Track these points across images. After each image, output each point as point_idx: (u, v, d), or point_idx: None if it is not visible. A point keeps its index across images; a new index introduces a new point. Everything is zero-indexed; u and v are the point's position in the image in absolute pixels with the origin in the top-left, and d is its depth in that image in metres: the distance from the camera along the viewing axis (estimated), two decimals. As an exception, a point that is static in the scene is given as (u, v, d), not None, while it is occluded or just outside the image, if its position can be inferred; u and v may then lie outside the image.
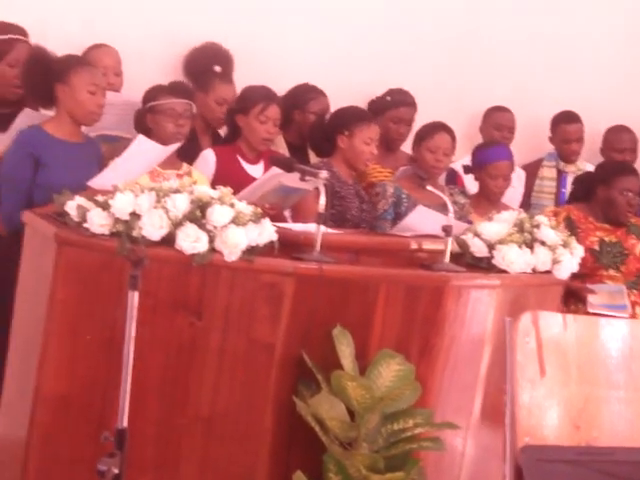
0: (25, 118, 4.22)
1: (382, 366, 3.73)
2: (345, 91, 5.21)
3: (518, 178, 5.63)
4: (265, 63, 5.18)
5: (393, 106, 5.38)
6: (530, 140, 5.94)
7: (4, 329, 3.84)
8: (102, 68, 4.64)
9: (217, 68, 4.96)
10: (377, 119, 5.22)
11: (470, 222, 4.60)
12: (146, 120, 4.39)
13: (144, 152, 3.99)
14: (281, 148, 5.02)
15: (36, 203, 3.98)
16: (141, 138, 4.05)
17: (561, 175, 5.90)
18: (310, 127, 4.95)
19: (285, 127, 4.87)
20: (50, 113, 4.21)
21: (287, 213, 4.51)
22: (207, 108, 4.91)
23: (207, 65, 4.98)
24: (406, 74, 5.60)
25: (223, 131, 4.98)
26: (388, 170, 5.17)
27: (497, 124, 5.78)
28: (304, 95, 5.21)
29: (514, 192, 5.50)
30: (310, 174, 3.95)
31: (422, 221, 4.24)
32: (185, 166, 4.42)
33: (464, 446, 3.99)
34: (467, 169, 5.23)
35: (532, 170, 5.88)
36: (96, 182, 3.85)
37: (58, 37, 4.53)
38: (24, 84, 4.25)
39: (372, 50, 5.66)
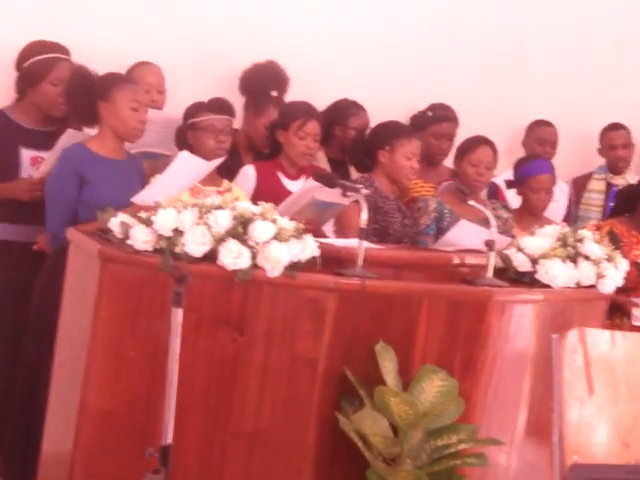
0: (69, 138, 4.25)
1: (425, 382, 3.71)
2: (386, 106, 5.21)
3: (561, 192, 5.61)
4: (306, 78, 5.18)
5: (435, 121, 5.38)
6: (579, 154, 5.92)
7: (49, 345, 3.87)
8: (145, 85, 4.68)
9: (274, 93, 4.96)
10: (419, 134, 5.22)
11: (513, 237, 4.58)
12: (187, 137, 4.42)
13: (188, 167, 4.01)
14: (322, 163, 5.02)
15: (81, 220, 4.01)
16: (185, 154, 4.08)
17: (610, 188, 5.86)
18: (350, 142, 4.95)
19: (326, 142, 4.88)
20: (93, 132, 4.24)
21: (329, 228, 4.51)
22: (255, 129, 4.92)
23: (264, 86, 4.97)
24: (448, 88, 5.60)
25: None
26: (430, 185, 5.16)
27: (540, 138, 5.76)
28: (344, 111, 5.22)
29: (557, 206, 5.47)
30: (351, 189, 3.95)
31: (465, 235, 4.22)
32: (225, 183, 4.44)
33: (508, 462, 3.96)
34: (509, 184, 5.22)
35: (581, 183, 5.86)
36: (140, 198, 3.87)
37: (102, 55, 4.56)
38: (67, 102, 4.29)
39: (414, 65, 5.67)
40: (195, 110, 4.44)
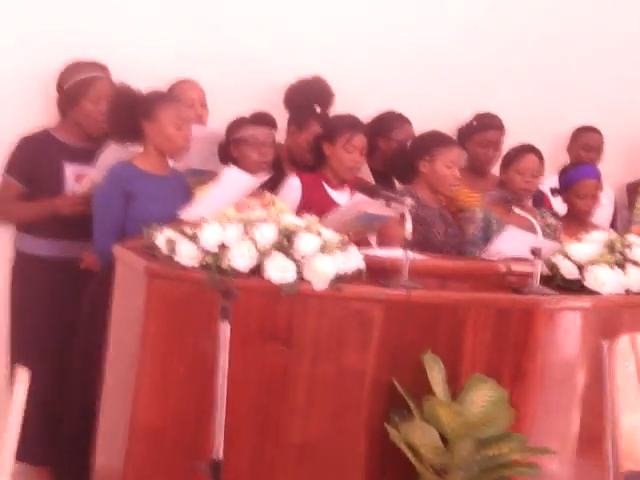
0: (111, 152, 4.29)
1: (474, 391, 3.69)
2: (431, 118, 5.20)
3: (607, 198, 5.56)
4: (350, 90, 5.18)
5: (480, 130, 5.36)
6: (625, 160, 5.88)
7: (98, 362, 3.90)
8: (189, 100, 4.71)
9: (318, 109, 4.97)
10: (465, 144, 5.22)
11: (560, 243, 4.54)
12: (230, 151, 4.45)
13: (235, 183, 4.04)
14: (366, 175, 5.02)
15: (128, 236, 4.04)
16: (232, 170, 4.10)
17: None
18: (392, 154, 4.94)
19: (369, 154, 4.87)
20: (135, 147, 4.28)
21: (372, 239, 4.50)
22: (296, 143, 4.92)
23: (308, 101, 4.97)
24: (493, 98, 5.57)
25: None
26: (477, 194, 5.14)
27: (585, 144, 5.72)
28: (389, 123, 5.21)
29: (603, 212, 5.43)
30: (395, 200, 3.95)
31: (513, 243, 4.20)
32: (268, 195, 4.46)
33: (561, 472, 3.93)
34: (555, 192, 5.18)
35: (634, 188, 5.80)
36: (188, 214, 3.90)
37: (144, 73, 4.59)
38: (110, 121, 4.33)
39: (458, 75, 5.64)
40: (237, 124, 4.48)
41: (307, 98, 4.99)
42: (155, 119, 4.17)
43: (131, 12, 4.90)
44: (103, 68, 4.60)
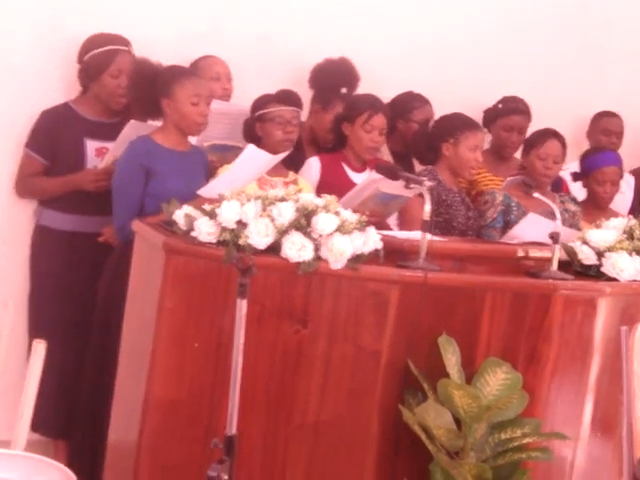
0: (132, 129, 4.29)
1: (489, 374, 3.70)
2: (454, 100, 5.19)
3: (627, 184, 5.53)
4: (373, 71, 5.17)
5: (505, 113, 5.32)
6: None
7: (116, 336, 3.92)
8: (215, 73, 4.72)
9: (344, 90, 4.96)
10: (490, 127, 5.20)
11: (580, 230, 4.53)
12: (255, 129, 4.45)
13: (253, 161, 4.03)
14: (385, 156, 5.01)
15: (147, 212, 4.05)
16: (251, 147, 4.10)
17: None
18: (413, 135, 4.93)
19: (389, 136, 4.86)
20: (156, 123, 4.28)
21: (393, 221, 4.50)
22: (320, 124, 4.91)
23: (334, 82, 4.95)
24: (514, 81, 5.55)
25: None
26: (500, 178, 5.12)
27: (605, 129, 5.69)
28: (408, 104, 5.19)
29: (623, 198, 5.41)
30: (415, 182, 3.95)
31: (533, 229, 4.20)
32: (291, 174, 4.46)
33: (573, 457, 3.93)
34: (575, 176, 5.16)
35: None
36: (206, 191, 3.91)
37: (166, 50, 4.59)
38: (131, 97, 4.34)
39: (481, 58, 5.62)
40: (263, 102, 4.47)
41: (333, 79, 4.98)
42: (172, 96, 4.16)
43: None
44: (126, 42, 4.59)
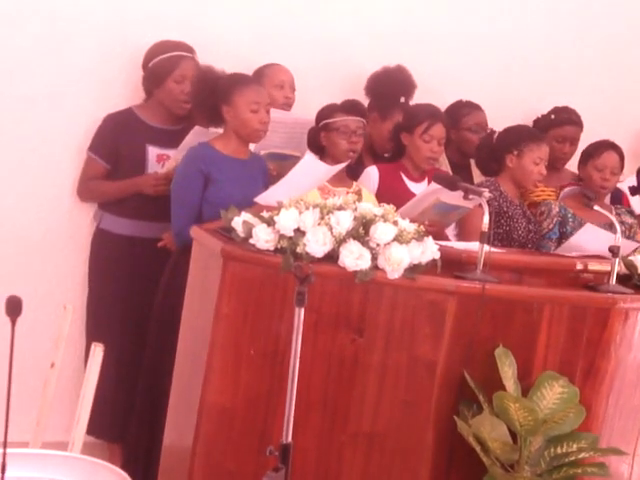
0: (196, 136, 4.32)
1: (545, 388, 3.67)
2: (510, 109, 5.16)
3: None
4: (431, 81, 5.16)
5: (557, 124, 5.30)
6: None
7: (172, 341, 3.94)
8: (279, 81, 4.73)
9: (403, 99, 4.95)
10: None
11: (638, 242, 4.49)
12: (320, 138, 4.44)
13: (311, 170, 4.04)
14: (444, 166, 4.99)
15: (205, 218, 4.06)
16: (308, 157, 4.10)
17: None
18: (477, 146, 4.90)
19: (445, 146, 4.84)
20: (219, 130, 4.30)
21: (451, 231, 4.49)
22: (379, 133, 4.92)
23: (394, 91, 4.96)
24: (571, 91, 5.51)
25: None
26: (551, 189, 5.09)
27: (666, 143, 5.64)
28: (457, 112, 5.18)
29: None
30: (474, 192, 3.93)
31: (590, 240, 4.16)
32: (355, 184, 4.45)
33: (630, 473, 3.89)
34: (633, 190, 5.11)
35: None
36: (263, 199, 3.91)
37: (229, 58, 4.62)
38: (193, 105, 4.37)
39: (537, 67, 5.60)
40: (329, 111, 4.46)
41: (390, 87, 4.97)
42: (232, 103, 4.17)
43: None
44: (190, 49, 4.62)
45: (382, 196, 4.34)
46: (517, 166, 4.62)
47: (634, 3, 5.80)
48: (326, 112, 4.47)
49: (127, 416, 4.38)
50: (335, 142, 4.40)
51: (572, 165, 5.21)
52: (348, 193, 4.29)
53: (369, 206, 3.66)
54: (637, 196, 5.15)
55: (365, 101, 4.99)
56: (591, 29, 5.73)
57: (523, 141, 4.61)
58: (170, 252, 4.32)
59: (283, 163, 4.47)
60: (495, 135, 4.75)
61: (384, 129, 4.87)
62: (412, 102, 4.99)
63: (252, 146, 4.39)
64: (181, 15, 4.79)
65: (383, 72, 5.01)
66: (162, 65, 4.56)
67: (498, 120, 4.97)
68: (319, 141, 4.44)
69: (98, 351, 3.15)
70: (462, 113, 5.17)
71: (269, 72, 4.72)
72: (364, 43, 5.19)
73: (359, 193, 4.36)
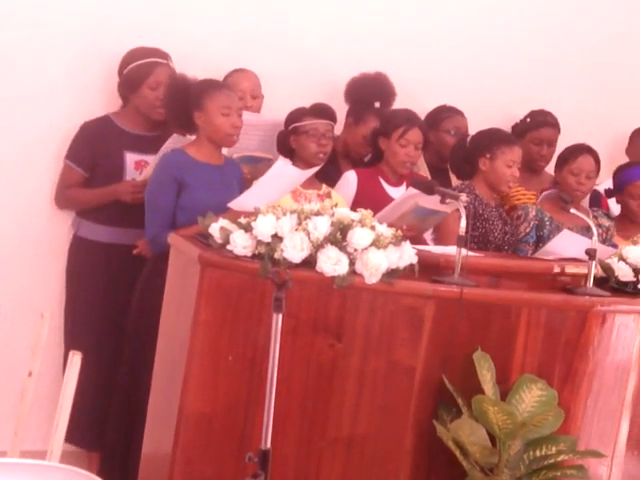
0: (173, 143, 4.32)
1: (524, 391, 3.68)
2: (487, 114, 5.17)
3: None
4: (407, 87, 5.16)
5: (534, 127, 5.31)
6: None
7: (149, 348, 3.92)
8: (239, 92, 4.70)
9: (377, 104, 4.96)
10: (520, 141, 5.18)
11: (615, 246, 4.51)
12: (289, 141, 4.46)
13: (283, 176, 4.04)
14: (422, 170, 5.00)
15: (179, 225, 4.06)
16: (280, 162, 4.11)
17: None
18: (451, 149, 4.92)
19: (424, 149, 4.86)
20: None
21: (428, 236, 4.49)
22: (353, 138, 4.92)
23: (369, 97, 4.95)
24: (549, 96, 5.52)
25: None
26: (532, 192, 5.10)
27: (644, 146, 5.65)
28: (437, 115, 5.19)
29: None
30: (450, 196, 3.94)
31: (566, 245, 4.18)
32: (324, 187, 4.47)
33: (609, 475, 3.90)
34: (609, 192, 5.13)
35: None
36: (236, 204, 3.91)
37: (202, 63, 4.62)
38: (166, 112, 4.36)
39: (515, 71, 5.61)
40: (298, 115, 4.48)
41: (367, 93, 4.97)
42: (203, 108, 4.17)
43: (193, 2, 4.91)
44: (165, 55, 4.62)
45: (361, 200, 4.35)
46: (490, 169, 4.63)
47: (610, 7, 5.82)
48: (295, 115, 4.48)
49: (106, 424, 4.37)
50: (304, 145, 4.42)
51: (552, 168, 5.22)
52: (319, 195, 4.31)
53: (346, 211, 3.66)
54: (613, 198, 5.17)
55: (344, 107, 4.99)
56: (568, 33, 5.74)
57: (495, 144, 4.62)
58: (146, 259, 4.31)
59: (257, 166, 4.47)
60: (468, 139, 4.77)
61: (358, 134, 4.89)
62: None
63: (225, 150, 4.38)
64: (158, 22, 4.78)
65: (360, 77, 5.02)
66: (136, 72, 4.55)
67: (478, 125, 4.97)
68: (288, 144, 4.45)
69: (76, 359, 3.13)
70: (442, 116, 5.18)
71: (230, 82, 4.70)
72: (341, 49, 5.18)
73: (328, 195, 4.38)
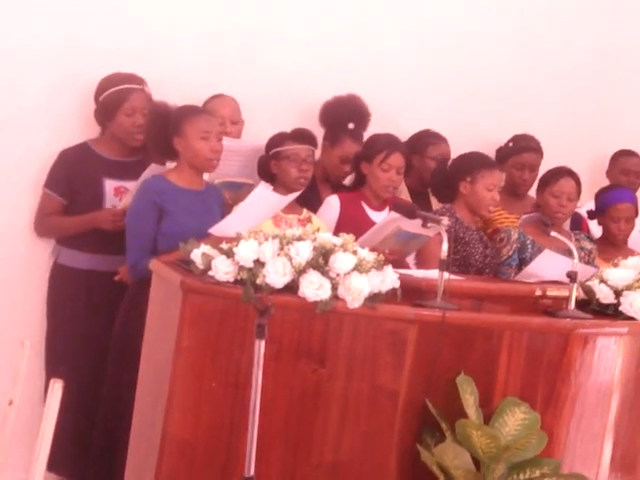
0: (152, 172, 4.31)
1: (507, 414, 3.68)
2: (469, 138, 5.19)
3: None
4: (389, 110, 5.18)
5: (516, 152, 5.34)
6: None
7: (131, 375, 3.90)
8: (219, 118, 4.70)
9: (351, 125, 4.97)
10: (502, 166, 5.20)
11: (597, 268, 4.52)
12: (270, 166, 4.47)
13: (263, 201, 4.04)
14: (403, 194, 5.01)
15: (160, 251, 4.05)
16: (261, 188, 4.11)
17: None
18: (432, 173, 4.94)
19: (405, 173, 4.87)
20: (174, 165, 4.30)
21: (411, 260, 4.50)
22: (330, 161, 4.94)
23: (343, 118, 4.97)
24: (530, 120, 5.55)
25: (347, 180, 4.99)
26: (515, 216, 5.11)
27: (624, 169, 5.67)
28: (423, 140, 5.20)
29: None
30: (432, 220, 3.95)
31: (548, 267, 4.19)
32: (305, 211, 4.47)
33: (592, 497, 3.90)
34: (591, 214, 5.16)
35: None
36: (217, 229, 3.91)
37: (182, 88, 4.61)
38: (147, 140, 4.36)
39: (496, 96, 5.63)
40: (279, 140, 4.49)
41: (341, 115, 4.99)
42: (183, 134, 4.17)
43: (171, 28, 4.91)
44: (140, 81, 4.61)
45: (343, 225, 4.36)
46: (470, 193, 4.65)
47: (589, 31, 5.86)
48: (276, 140, 4.49)
49: (87, 452, 4.34)
50: (285, 170, 4.43)
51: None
52: (299, 220, 4.32)
53: (328, 236, 3.66)
54: (595, 220, 5.19)
55: (321, 131, 5.00)
56: (549, 57, 5.77)
57: (475, 168, 4.64)
58: (126, 286, 4.30)
59: (238, 192, 4.47)
60: (449, 162, 4.79)
61: (334, 156, 4.90)
62: (368, 131, 5.00)
63: (206, 176, 4.38)
64: (135, 48, 4.77)
65: (334, 100, 5.03)
66: (112, 98, 4.54)
67: (459, 149, 4.99)
68: (269, 169, 4.46)
69: (57, 387, 3.11)
70: (429, 142, 5.19)
71: (209, 108, 4.70)
72: (321, 73, 5.20)
73: (309, 220, 4.39)
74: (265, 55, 5.13)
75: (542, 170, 5.21)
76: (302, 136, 4.50)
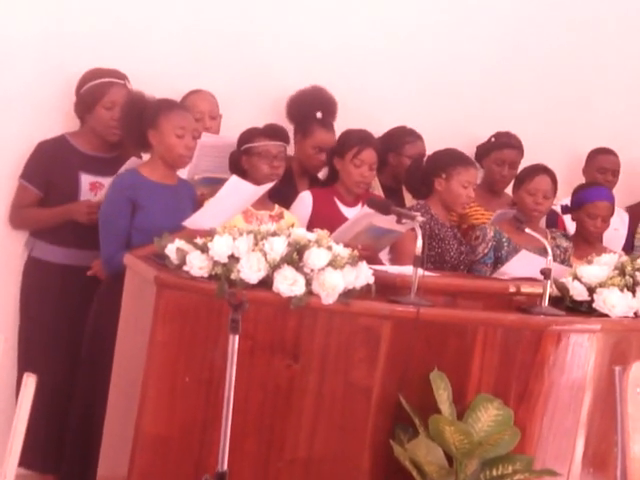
0: (131, 165, 4.30)
1: (480, 410, 3.69)
2: (447, 135, 5.20)
3: (622, 221, 5.54)
4: (364, 105, 5.19)
5: (497, 148, 5.34)
6: (635, 182, 5.85)
7: (105, 370, 3.90)
8: (198, 113, 4.69)
9: (318, 114, 4.97)
10: (483, 161, 5.21)
11: (570, 266, 4.53)
12: (241, 162, 4.46)
13: (238, 192, 4.03)
14: (377, 190, 5.02)
15: (134, 245, 4.04)
16: (234, 178, 4.10)
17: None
18: (407, 169, 4.94)
19: (380, 169, 4.87)
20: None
21: (385, 256, 4.51)
22: (304, 153, 4.94)
23: (310, 109, 4.98)
24: (508, 117, 5.56)
25: (322, 174, 5.00)
26: (491, 213, 5.12)
27: (600, 167, 5.68)
28: (400, 138, 5.20)
29: (617, 235, 5.41)
30: (406, 217, 3.95)
31: (524, 266, 4.20)
32: (277, 207, 4.47)
33: (565, 494, 3.92)
34: (565, 209, 5.17)
35: (636, 212, 5.76)
36: (191, 222, 3.90)
37: (159, 82, 4.60)
38: (121, 131, 4.35)
39: (474, 92, 5.64)
40: (250, 135, 4.48)
41: (306, 107, 4.99)
42: (158, 127, 4.16)
43: (150, 23, 4.90)
44: (122, 76, 4.61)
45: (316, 221, 4.35)
46: (446, 189, 4.66)
47: (567, 28, 5.88)
48: (247, 136, 4.48)
49: (60, 447, 4.33)
50: (256, 166, 4.42)
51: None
52: (271, 216, 4.32)
53: (303, 232, 3.66)
54: (568, 215, 5.20)
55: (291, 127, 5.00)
56: (530, 55, 5.79)
57: (451, 165, 4.65)
58: (100, 280, 4.29)
59: (217, 187, 4.46)
60: (425, 158, 4.79)
61: (307, 146, 4.90)
62: (343, 124, 4.99)
63: (184, 172, 4.37)
64: (116, 42, 4.76)
65: (297, 94, 5.04)
66: (92, 92, 4.53)
67: (434, 146, 4.99)
68: (240, 165, 4.45)
69: (30, 381, 3.10)
70: (405, 140, 5.19)
71: (188, 103, 4.69)
72: (299, 68, 5.19)
73: (281, 216, 4.38)
74: (244, 51, 5.12)
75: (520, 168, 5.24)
76: (274, 132, 4.49)
